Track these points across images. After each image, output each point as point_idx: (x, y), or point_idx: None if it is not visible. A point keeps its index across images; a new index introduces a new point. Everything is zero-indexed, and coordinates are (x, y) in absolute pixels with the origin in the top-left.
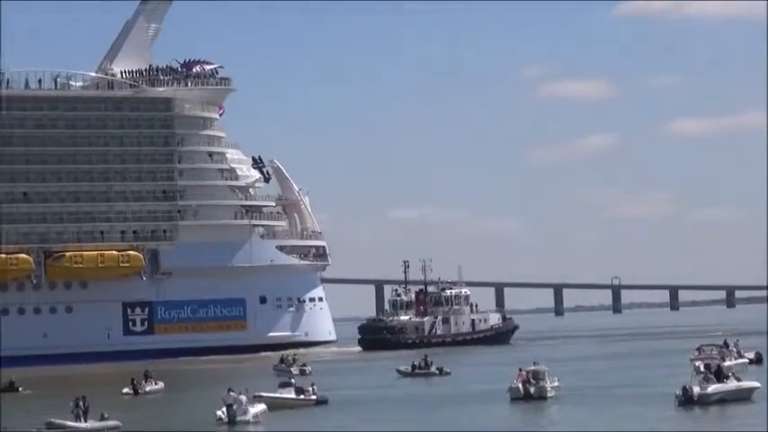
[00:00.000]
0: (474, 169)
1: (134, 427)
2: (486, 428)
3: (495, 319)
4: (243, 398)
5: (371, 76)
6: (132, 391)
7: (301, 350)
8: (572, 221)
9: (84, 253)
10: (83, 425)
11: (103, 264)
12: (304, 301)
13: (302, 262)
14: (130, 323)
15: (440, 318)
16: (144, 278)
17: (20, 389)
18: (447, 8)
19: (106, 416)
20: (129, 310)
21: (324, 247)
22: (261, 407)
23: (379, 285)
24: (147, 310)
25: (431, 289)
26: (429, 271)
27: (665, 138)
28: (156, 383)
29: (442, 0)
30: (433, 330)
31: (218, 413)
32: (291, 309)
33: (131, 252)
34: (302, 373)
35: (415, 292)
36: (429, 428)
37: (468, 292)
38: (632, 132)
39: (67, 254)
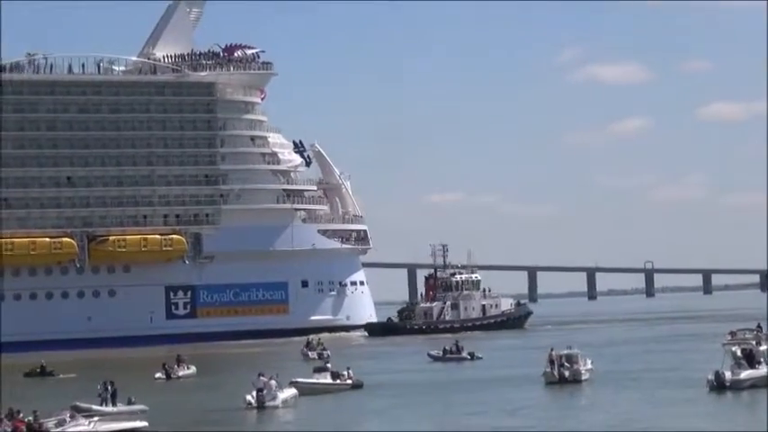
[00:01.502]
0: (509, 153)
1: (162, 411)
2: (525, 411)
3: (507, 304)
4: (273, 383)
5: (408, 60)
6: (164, 376)
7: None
8: (605, 205)
9: (128, 237)
10: (108, 408)
11: (146, 248)
12: (345, 285)
13: (344, 246)
14: (173, 307)
15: (448, 303)
16: (186, 262)
17: (53, 372)
18: None
19: (133, 400)
20: (171, 294)
21: (365, 230)
22: (291, 391)
23: (411, 270)
24: (189, 293)
25: (442, 274)
26: (439, 256)
27: (699, 122)
28: (188, 368)
29: None
30: (442, 316)
31: (248, 398)
32: (333, 293)
33: (174, 236)
34: (320, 357)
35: (425, 276)
36: (468, 413)
37: (479, 277)
38: (666, 116)
39: (111, 238)
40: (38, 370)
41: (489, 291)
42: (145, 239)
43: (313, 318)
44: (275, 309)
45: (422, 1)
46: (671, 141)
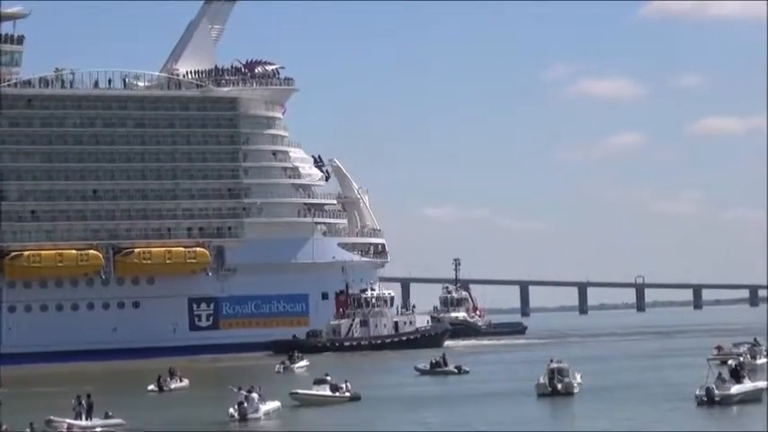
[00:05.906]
0: (501, 168)
1: (146, 424)
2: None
3: (422, 321)
4: (254, 396)
5: (399, 74)
6: (157, 389)
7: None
8: (597, 220)
9: (152, 249)
10: (82, 423)
11: (170, 260)
12: None
13: (363, 259)
14: (196, 318)
15: (357, 320)
16: (209, 274)
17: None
18: (474, 8)
19: (110, 414)
20: (194, 306)
21: (383, 244)
22: (274, 404)
23: (405, 283)
24: (212, 305)
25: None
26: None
27: (691, 137)
28: (180, 381)
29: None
30: (350, 333)
31: (231, 410)
32: None
33: (198, 249)
34: (285, 370)
35: (335, 293)
36: (474, 425)
37: (392, 294)
38: (658, 132)
39: (136, 250)
40: None
41: (414, 307)
42: (169, 252)
43: None
44: (296, 320)
45: (413, 15)
46: (664, 156)
